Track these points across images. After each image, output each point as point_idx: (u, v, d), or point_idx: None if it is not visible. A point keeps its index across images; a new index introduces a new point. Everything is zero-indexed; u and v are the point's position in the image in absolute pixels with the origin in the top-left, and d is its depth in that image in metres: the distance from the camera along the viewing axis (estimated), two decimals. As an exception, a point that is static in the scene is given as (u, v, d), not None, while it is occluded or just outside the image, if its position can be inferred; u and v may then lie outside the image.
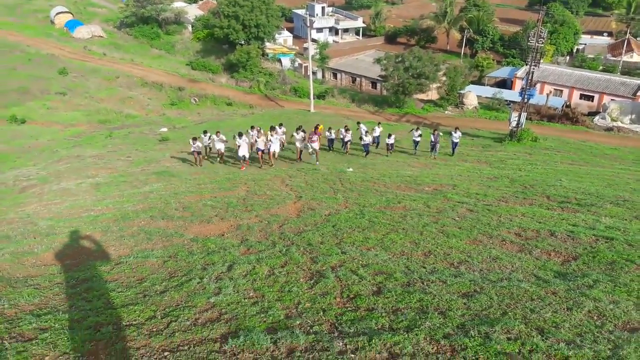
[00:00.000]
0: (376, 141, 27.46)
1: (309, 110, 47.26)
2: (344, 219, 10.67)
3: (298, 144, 22.16)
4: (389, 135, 25.62)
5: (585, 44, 66.57)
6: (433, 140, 25.01)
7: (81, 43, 64.70)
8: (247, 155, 20.62)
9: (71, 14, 71.61)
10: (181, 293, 6.21)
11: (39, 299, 6.37)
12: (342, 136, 25.03)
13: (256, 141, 20.99)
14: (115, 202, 14.37)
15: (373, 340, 4.38)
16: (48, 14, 71.98)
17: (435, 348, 4.27)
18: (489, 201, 13.60)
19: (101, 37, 67.71)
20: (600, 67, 57.60)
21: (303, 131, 22.29)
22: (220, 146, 21.76)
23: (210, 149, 23.22)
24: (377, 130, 27.61)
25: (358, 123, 27.07)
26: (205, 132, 23.15)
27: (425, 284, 6.02)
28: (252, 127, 22.53)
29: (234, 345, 4.55)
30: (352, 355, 4.16)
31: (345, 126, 25.73)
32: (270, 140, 20.83)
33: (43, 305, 6.10)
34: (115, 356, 4.56)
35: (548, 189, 16.01)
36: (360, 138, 25.04)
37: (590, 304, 5.41)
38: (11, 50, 59.89)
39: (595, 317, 5.07)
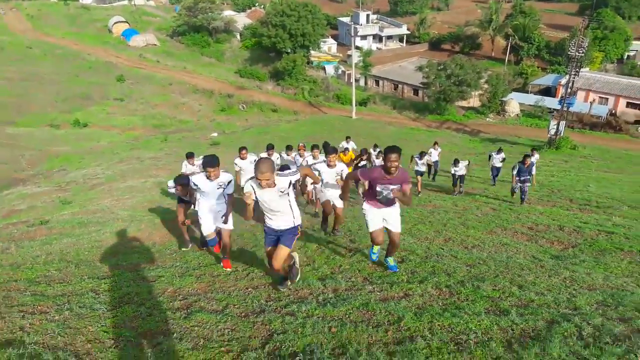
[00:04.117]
0: (435, 167, 20.42)
1: (351, 117, 48.97)
2: (379, 212, 12.36)
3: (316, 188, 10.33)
4: (456, 162, 16.94)
5: (637, 51, 65.25)
6: (523, 171, 14.37)
7: (136, 51, 68.91)
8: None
9: (127, 23, 76.16)
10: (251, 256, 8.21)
11: (145, 260, 8.48)
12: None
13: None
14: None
15: (393, 287, 6.15)
16: (106, 23, 76.91)
17: (439, 292, 5.97)
18: (513, 202, 14.98)
19: (155, 45, 71.77)
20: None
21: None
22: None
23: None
24: (435, 153, 19.93)
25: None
26: (190, 154, 12.95)
27: (439, 257, 7.69)
28: (289, 147, 14.61)
29: (296, 286, 6.42)
30: (378, 293, 5.93)
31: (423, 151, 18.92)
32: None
33: (151, 264, 8.19)
34: (214, 289, 6.53)
35: (574, 194, 17.15)
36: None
37: (567, 273, 6.96)
38: (74, 58, 64.67)
39: (567, 282, 6.61)
